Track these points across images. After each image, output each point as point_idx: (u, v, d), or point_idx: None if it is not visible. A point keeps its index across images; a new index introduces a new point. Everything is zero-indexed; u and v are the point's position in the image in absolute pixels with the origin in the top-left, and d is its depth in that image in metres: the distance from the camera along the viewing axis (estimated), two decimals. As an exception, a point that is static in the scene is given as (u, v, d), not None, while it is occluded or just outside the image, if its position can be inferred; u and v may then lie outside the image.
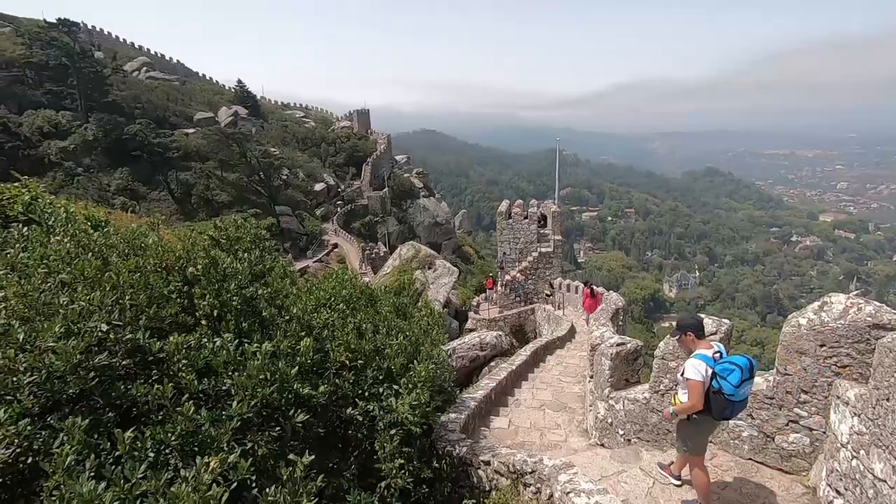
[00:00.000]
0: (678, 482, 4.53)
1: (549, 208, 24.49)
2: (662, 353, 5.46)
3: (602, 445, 6.62)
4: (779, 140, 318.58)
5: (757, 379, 4.79)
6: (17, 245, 3.38)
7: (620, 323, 12.57)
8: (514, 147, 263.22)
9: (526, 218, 23.57)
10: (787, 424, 4.52)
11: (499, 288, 24.02)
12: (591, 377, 7.42)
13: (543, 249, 23.19)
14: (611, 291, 17.11)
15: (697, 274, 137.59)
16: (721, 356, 3.94)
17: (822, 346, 4.13)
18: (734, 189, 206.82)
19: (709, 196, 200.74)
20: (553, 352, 12.99)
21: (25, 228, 3.72)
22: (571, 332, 15.43)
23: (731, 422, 4.91)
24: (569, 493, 3.53)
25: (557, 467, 3.94)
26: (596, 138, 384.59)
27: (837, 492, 3.76)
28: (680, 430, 4.24)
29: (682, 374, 4.03)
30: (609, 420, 6.46)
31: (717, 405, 3.80)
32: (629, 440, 6.02)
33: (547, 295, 21.47)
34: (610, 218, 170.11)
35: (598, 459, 5.46)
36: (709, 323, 5.13)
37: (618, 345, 6.44)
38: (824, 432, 4.23)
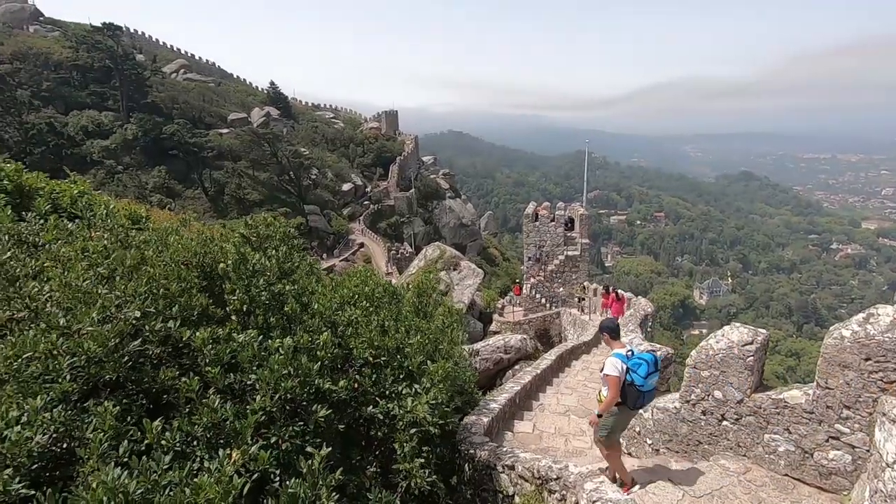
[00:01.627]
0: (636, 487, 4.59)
1: (577, 211, 24.14)
2: (694, 362, 5.28)
3: (629, 454, 6.46)
4: (820, 143, 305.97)
5: (795, 392, 4.60)
6: (61, 240, 3.52)
7: (649, 329, 12.28)
8: (544, 149, 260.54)
9: (552, 220, 23.29)
10: (827, 440, 4.31)
11: (524, 291, 23.80)
12: (618, 384, 7.25)
13: (570, 253, 22.85)
14: (639, 297, 16.76)
15: (730, 281, 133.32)
16: (633, 354, 4.52)
17: (867, 359, 3.92)
18: (770, 194, 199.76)
19: (743, 201, 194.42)
20: (579, 356, 12.79)
21: (70, 224, 3.88)
22: (598, 337, 15.16)
23: (766, 436, 4.73)
24: (595, 501, 3.45)
25: (583, 475, 3.87)
26: (626, 140, 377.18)
27: (882, 514, 3.55)
28: (601, 424, 4.58)
29: (602, 372, 4.51)
30: (637, 429, 6.30)
31: (630, 396, 4.39)
32: (657, 450, 5.86)
33: (579, 300, 20.92)
34: (639, 222, 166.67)
35: (624, 469, 5.32)
36: (744, 332, 4.95)
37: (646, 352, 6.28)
38: (868, 450, 4.01)
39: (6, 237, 3.36)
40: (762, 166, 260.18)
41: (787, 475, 4.62)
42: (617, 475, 4.58)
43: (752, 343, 4.84)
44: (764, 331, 5.05)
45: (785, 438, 4.60)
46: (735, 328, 5.10)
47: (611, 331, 4.74)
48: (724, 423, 5.12)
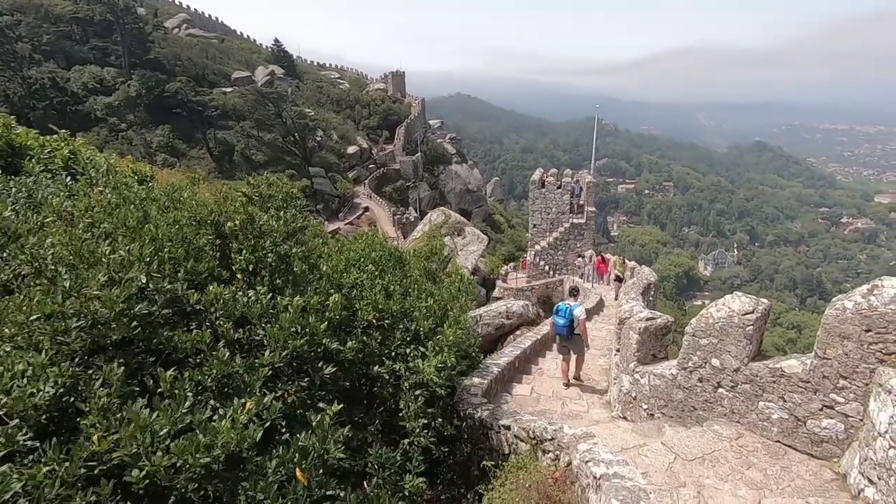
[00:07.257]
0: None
1: (584, 179, 23.87)
2: (693, 330, 5.33)
3: (624, 418, 6.62)
4: (838, 114, 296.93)
5: (792, 361, 4.64)
6: (63, 195, 3.51)
7: (651, 298, 12.33)
8: (554, 115, 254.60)
9: (559, 188, 23.08)
10: (821, 409, 4.38)
11: (528, 258, 23.86)
12: (618, 350, 7.35)
13: (576, 220, 22.76)
14: (642, 266, 16.74)
15: (736, 252, 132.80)
16: (571, 305, 7.61)
17: (867, 331, 3.93)
18: (783, 165, 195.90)
19: (755, 172, 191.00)
20: (580, 324, 12.89)
21: (69, 179, 3.85)
22: (600, 305, 15.27)
23: (761, 403, 4.81)
24: (588, 461, 3.56)
25: (577, 436, 3.97)
26: (638, 107, 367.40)
27: (870, 480, 3.65)
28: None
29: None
30: (633, 394, 6.42)
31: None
32: (652, 415, 5.99)
33: (618, 279, 17.13)
34: (647, 191, 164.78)
35: (619, 432, 5.46)
36: (745, 301, 4.95)
37: (647, 319, 6.33)
38: (861, 420, 4.08)
39: (8, 193, 3.35)
40: (776, 137, 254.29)
41: (778, 441, 4.72)
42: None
43: (752, 312, 4.86)
44: (765, 301, 5.05)
45: (779, 406, 4.69)
46: (736, 297, 5.10)
47: (570, 292, 8.18)
48: (720, 390, 5.21)
